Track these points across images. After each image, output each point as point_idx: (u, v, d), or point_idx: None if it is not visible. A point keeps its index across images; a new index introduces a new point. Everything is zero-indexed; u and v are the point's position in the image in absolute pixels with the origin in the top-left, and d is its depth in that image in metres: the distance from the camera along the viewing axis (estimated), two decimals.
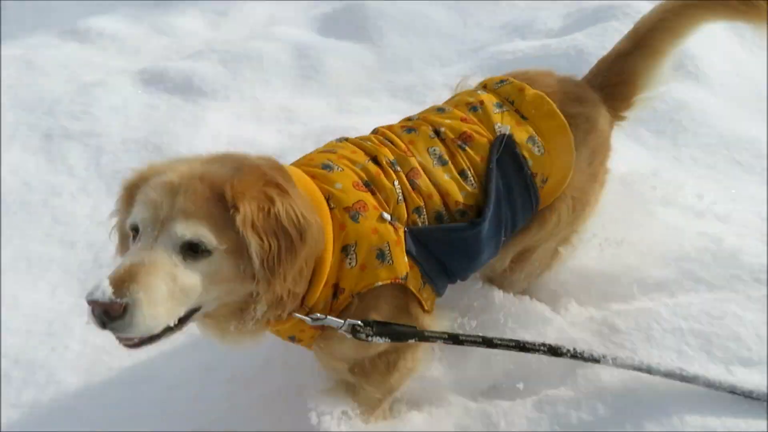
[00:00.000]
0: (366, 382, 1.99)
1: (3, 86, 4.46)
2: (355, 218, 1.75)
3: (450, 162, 1.94)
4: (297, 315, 1.71)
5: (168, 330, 1.52)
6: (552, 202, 2.12)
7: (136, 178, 1.65)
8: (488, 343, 1.88)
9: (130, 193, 1.64)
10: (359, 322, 1.74)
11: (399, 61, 4.61)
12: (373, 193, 1.82)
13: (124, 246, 1.74)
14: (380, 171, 1.86)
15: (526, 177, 2.00)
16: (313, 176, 1.80)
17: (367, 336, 1.74)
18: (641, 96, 2.23)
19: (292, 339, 1.92)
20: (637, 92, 2.22)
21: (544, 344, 1.91)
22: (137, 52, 5.08)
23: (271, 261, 1.53)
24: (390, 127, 2.07)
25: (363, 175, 1.84)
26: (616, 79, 2.19)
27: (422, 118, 2.09)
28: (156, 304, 1.42)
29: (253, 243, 1.50)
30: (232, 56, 4.61)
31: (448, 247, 1.89)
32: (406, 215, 1.84)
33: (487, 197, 1.92)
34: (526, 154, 1.99)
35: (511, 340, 1.90)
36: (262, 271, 1.53)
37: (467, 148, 1.96)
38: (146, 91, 4.33)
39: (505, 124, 2.02)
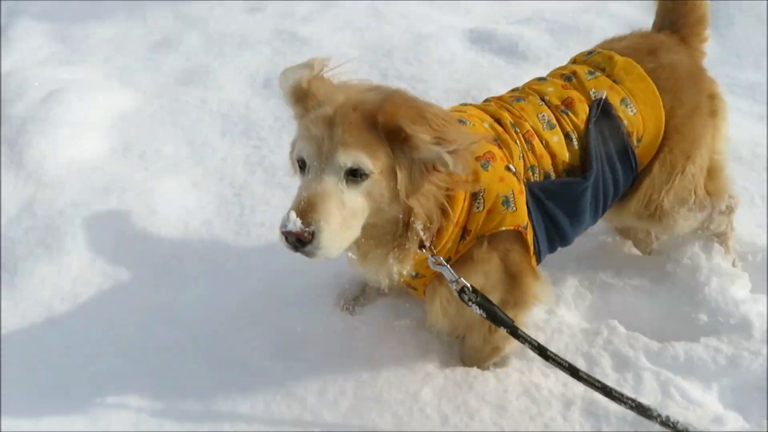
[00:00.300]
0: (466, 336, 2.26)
1: (353, 28, 5.11)
2: (485, 167, 1.91)
3: (557, 126, 2.09)
4: (424, 251, 1.88)
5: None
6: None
7: (304, 91, 1.81)
8: (573, 372, 1.86)
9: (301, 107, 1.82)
10: (469, 286, 1.88)
11: (745, 55, 4.14)
12: (499, 148, 1.98)
13: (295, 168, 1.91)
14: (504, 130, 2.03)
15: (622, 136, 2.13)
16: None
17: (469, 300, 1.89)
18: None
19: (416, 276, 2.06)
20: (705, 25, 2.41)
21: (633, 400, 1.84)
22: (468, 13, 5.34)
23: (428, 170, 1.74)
24: (500, 97, 2.23)
25: (491, 131, 2.01)
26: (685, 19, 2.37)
27: (526, 87, 2.26)
28: (335, 229, 1.66)
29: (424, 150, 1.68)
30: (561, 26, 4.61)
31: (561, 202, 2.05)
32: (523, 172, 1.99)
33: (589, 155, 2.07)
34: (621, 115, 2.13)
35: (598, 381, 1.84)
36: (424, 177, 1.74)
37: (570, 113, 2.11)
38: (473, 48, 4.58)
39: (599, 89, 2.16)
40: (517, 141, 2.01)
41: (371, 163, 1.69)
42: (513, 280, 2.05)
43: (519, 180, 1.95)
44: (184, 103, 4.22)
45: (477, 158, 1.89)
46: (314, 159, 1.73)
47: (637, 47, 2.27)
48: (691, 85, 2.26)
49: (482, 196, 1.90)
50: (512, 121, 2.06)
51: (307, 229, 1.63)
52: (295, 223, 1.64)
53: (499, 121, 2.06)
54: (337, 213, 1.67)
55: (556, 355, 1.89)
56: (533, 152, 2.03)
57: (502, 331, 1.95)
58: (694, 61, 2.35)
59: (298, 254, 1.71)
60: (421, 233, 1.82)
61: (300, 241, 1.65)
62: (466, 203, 1.89)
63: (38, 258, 3.01)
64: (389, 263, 1.88)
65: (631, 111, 2.15)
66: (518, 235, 1.97)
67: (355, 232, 1.76)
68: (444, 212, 1.85)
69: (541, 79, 2.29)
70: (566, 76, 2.22)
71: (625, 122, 2.13)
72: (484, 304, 1.90)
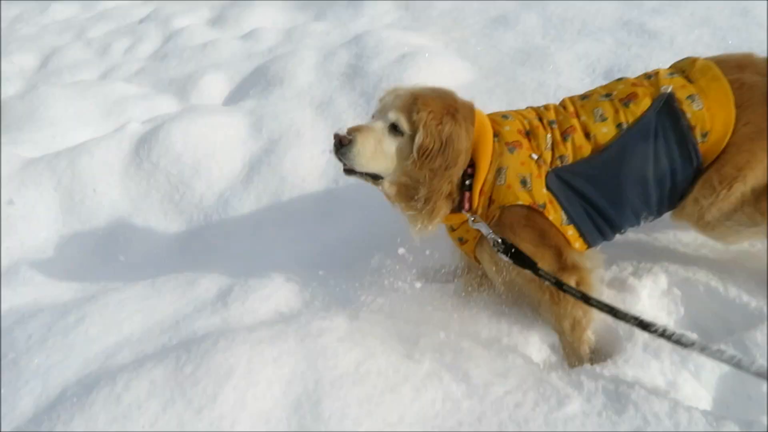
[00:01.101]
0: (536, 303, 2.47)
1: (713, 27, 4.63)
2: (511, 151, 2.30)
3: (610, 118, 2.31)
4: (464, 212, 2.32)
5: (365, 177, 2.36)
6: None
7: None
8: (585, 299, 2.14)
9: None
10: (498, 239, 2.24)
11: None
12: (529, 140, 2.34)
13: None
14: (540, 125, 2.36)
15: (683, 128, 2.25)
16: (493, 120, 2.38)
17: (497, 249, 2.24)
18: None
19: (462, 241, 2.51)
20: None
21: (636, 317, 2.05)
22: None
23: (424, 155, 2.22)
24: (572, 97, 2.48)
25: (527, 126, 2.37)
26: None
27: (599, 87, 2.49)
28: (365, 148, 2.26)
29: (418, 136, 2.22)
30: None
31: (588, 180, 2.28)
32: (551, 160, 2.30)
33: (624, 132, 2.28)
34: (684, 109, 2.26)
35: (606, 305, 2.10)
36: (418, 159, 2.23)
37: (630, 105, 2.31)
38: None
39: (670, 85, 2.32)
40: (549, 135, 2.33)
41: (406, 126, 2.26)
42: (550, 250, 2.29)
43: (539, 166, 2.28)
44: (521, 84, 4.25)
45: (507, 143, 2.30)
46: (377, 112, 2.41)
47: (729, 59, 2.35)
48: (763, 109, 2.23)
49: (505, 172, 2.28)
50: (553, 119, 2.37)
51: (348, 136, 2.26)
52: (342, 130, 2.28)
53: (540, 118, 2.40)
54: (373, 142, 2.27)
55: (570, 288, 2.19)
56: (571, 144, 2.30)
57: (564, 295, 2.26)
58: None
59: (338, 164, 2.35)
60: (420, 200, 2.29)
61: (340, 143, 2.26)
62: (491, 177, 2.29)
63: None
64: (416, 218, 2.36)
65: (697, 106, 2.25)
66: (540, 214, 2.25)
67: (379, 167, 2.31)
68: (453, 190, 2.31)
69: (619, 79, 2.50)
70: (648, 75, 2.43)
71: (689, 115, 2.24)
72: (509, 250, 2.21)
